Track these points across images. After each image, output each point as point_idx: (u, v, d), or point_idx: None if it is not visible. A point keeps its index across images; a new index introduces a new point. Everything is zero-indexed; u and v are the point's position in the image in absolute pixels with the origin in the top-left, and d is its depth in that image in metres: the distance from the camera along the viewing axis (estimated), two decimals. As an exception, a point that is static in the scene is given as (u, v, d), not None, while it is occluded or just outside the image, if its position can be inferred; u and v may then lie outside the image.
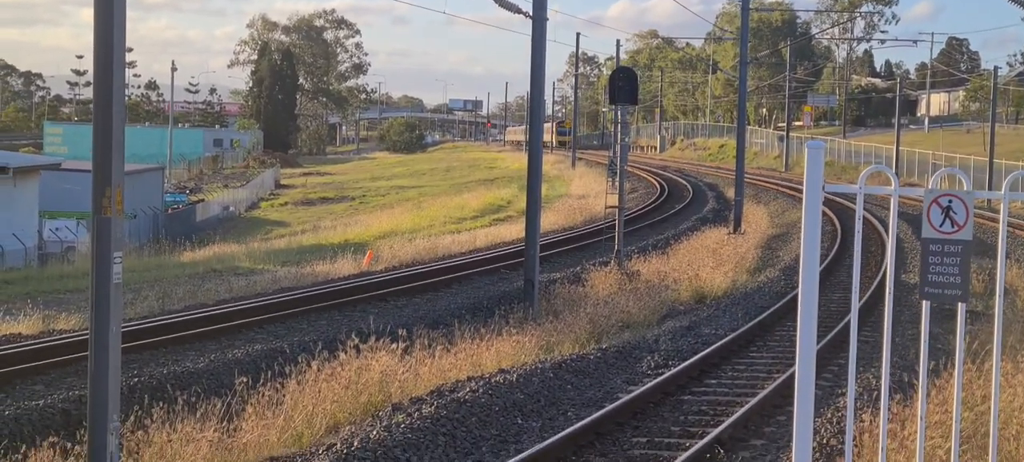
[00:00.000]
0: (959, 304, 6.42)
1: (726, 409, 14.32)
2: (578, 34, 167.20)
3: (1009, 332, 16.21)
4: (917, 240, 28.92)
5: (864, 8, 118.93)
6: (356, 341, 15.44)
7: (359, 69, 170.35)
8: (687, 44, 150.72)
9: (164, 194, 70.41)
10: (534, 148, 26.05)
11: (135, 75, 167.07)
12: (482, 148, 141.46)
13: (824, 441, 11.99)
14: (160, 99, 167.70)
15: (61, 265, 40.30)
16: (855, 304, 6.62)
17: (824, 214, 38.48)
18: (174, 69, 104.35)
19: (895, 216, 6.60)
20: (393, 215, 59.74)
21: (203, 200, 77.20)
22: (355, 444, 11.84)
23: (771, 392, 14.43)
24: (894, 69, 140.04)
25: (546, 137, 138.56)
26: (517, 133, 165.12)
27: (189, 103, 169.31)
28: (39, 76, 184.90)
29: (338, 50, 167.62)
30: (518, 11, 25.97)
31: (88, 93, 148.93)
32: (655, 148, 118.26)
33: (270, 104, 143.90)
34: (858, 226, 6.63)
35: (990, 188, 53.35)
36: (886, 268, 19.88)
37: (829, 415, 13.10)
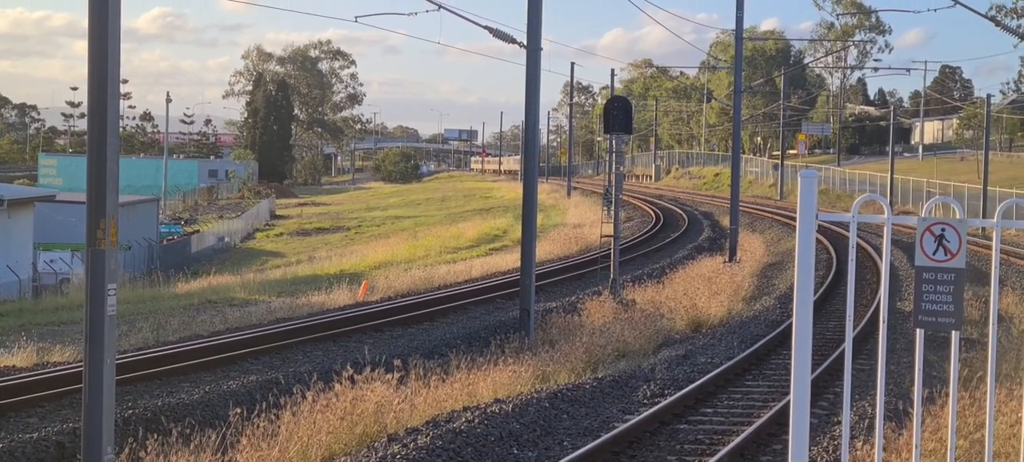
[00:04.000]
0: (953, 332, 6.43)
1: (722, 438, 14.30)
2: (573, 64, 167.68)
3: (1003, 360, 16.23)
4: (912, 268, 28.95)
5: (857, 37, 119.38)
6: (351, 372, 15.41)
7: (354, 99, 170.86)
8: (681, 73, 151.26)
9: (159, 225, 70.36)
10: (529, 178, 26.04)
11: (130, 106, 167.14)
12: (477, 178, 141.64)
13: (820, 470, 11.97)
14: (155, 130, 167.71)
15: (55, 297, 40.27)
16: (849, 333, 6.63)
17: (819, 242, 38.57)
18: (169, 100, 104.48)
19: (888, 245, 6.61)
20: (389, 245, 59.72)
21: (198, 231, 77.18)
22: (350, 475, 11.80)
23: (767, 421, 14.42)
24: (888, 97, 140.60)
25: (518, 167, 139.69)
26: (491, 162, 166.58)
27: (184, 134, 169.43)
28: (33, 108, 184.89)
29: (333, 80, 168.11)
30: (512, 41, 26.03)
31: (83, 125, 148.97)
32: (650, 177, 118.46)
33: (265, 135, 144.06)
34: (851, 255, 6.64)
35: (985, 216, 53.44)
36: (880, 297, 19.86)
37: (825, 444, 13.08)
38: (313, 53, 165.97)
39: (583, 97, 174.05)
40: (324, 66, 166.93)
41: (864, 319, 23.14)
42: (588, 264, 36.44)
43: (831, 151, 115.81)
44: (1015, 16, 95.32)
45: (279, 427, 13.53)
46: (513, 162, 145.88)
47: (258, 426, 13.38)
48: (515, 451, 13.78)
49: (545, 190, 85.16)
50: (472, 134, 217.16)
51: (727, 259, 38.09)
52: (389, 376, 15.54)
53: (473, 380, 17.11)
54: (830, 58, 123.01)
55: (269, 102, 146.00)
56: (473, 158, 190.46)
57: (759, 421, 14.49)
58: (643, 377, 18.31)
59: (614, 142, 29.92)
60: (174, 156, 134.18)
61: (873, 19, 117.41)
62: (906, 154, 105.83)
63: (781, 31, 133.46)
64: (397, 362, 16.66)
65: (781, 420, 14.08)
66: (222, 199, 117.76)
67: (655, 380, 18.02)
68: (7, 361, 21.19)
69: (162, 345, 22.71)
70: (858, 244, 37.08)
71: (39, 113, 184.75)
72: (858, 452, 11.32)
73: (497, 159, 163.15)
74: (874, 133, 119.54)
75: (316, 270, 47.83)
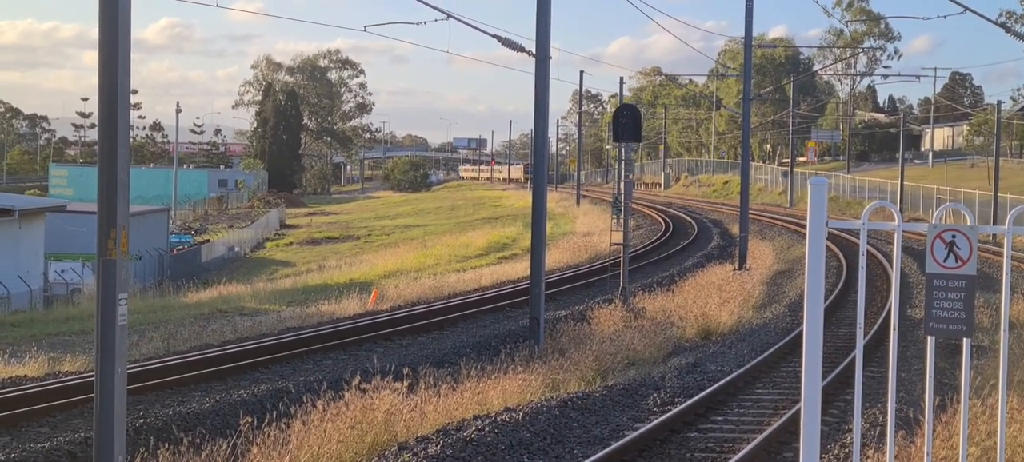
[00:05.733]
0: (964, 339, 6.42)
1: (732, 446, 14.28)
2: (582, 72, 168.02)
3: (1015, 367, 16.18)
4: (922, 275, 28.88)
5: (867, 44, 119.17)
6: (358, 380, 15.42)
7: (363, 108, 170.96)
8: (690, 81, 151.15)
9: (169, 235, 70.46)
10: (539, 186, 26.04)
11: (140, 117, 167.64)
12: (486, 186, 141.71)
13: (831, 478, 11.94)
14: (165, 140, 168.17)
15: (66, 307, 40.32)
16: (860, 341, 6.62)
17: (829, 250, 38.50)
18: (179, 110, 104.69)
19: (899, 252, 6.61)
20: (398, 254, 59.74)
21: (208, 241, 77.27)
22: (361, 484, 11.80)
23: (777, 429, 14.40)
24: (897, 104, 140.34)
25: (519, 175, 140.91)
26: (471, 170, 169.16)
27: (194, 144, 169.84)
28: (44, 118, 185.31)
29: (342, 90, 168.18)
30: (521, 49, 26.06)
31: (93, 135, 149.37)
32: (659, 185, 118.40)
33: (275, 144, 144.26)
34: (862, 262, 6.63)
35: (995, 223, 53.30)
36: (891, 304, 19.83)
37: (836, 451, 13.06)
38: (322, 62, 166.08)
39: (592, 105, 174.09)
40: (333, 75, 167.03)
41: (875, 326, 23.11)
42: (598, 272, 36.43)
43: (841, 158, 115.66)
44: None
45: (289, 436, 13.54)
46: (517, 170, 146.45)
47: (269, 435, 13.40)
48: (525, 460, 13.77)
49: (554, 198, 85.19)
50: (481, 143, 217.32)
51: (737, 267, 38.05)
52: (398, 385, 15.54)
53: (483, 388, 17.11)
54: (839, 65, 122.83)
55: (278, 112, 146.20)
56: (461, 165, 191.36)
57: (770, 429, 14.48)
58: (653, 385, 18.30)
59: (623, 150, 29.92)
60: (184, 166, 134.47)
61: (882, 26, 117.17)
62: (916, 161, 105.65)
63: (790, 38, 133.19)
64: (407, 371, 16.67)
65: (792, 428, 14.05)
66: (232, 209, 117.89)
67: (665, 388, 18.00)
68: (19, 371, 21.23)
69: (173, 354, 22.73)
70: (868, 251, 37.00)
71: (49, 124, 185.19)
72: (869, 460, 11.30)
73: (492, 166, 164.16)
74: (884, 140, 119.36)
75: (326, 279, 47.86)
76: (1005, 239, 6.58)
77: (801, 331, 11.09)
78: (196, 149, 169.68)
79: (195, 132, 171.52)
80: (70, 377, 19.70)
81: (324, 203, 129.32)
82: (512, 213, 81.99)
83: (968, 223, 6.40)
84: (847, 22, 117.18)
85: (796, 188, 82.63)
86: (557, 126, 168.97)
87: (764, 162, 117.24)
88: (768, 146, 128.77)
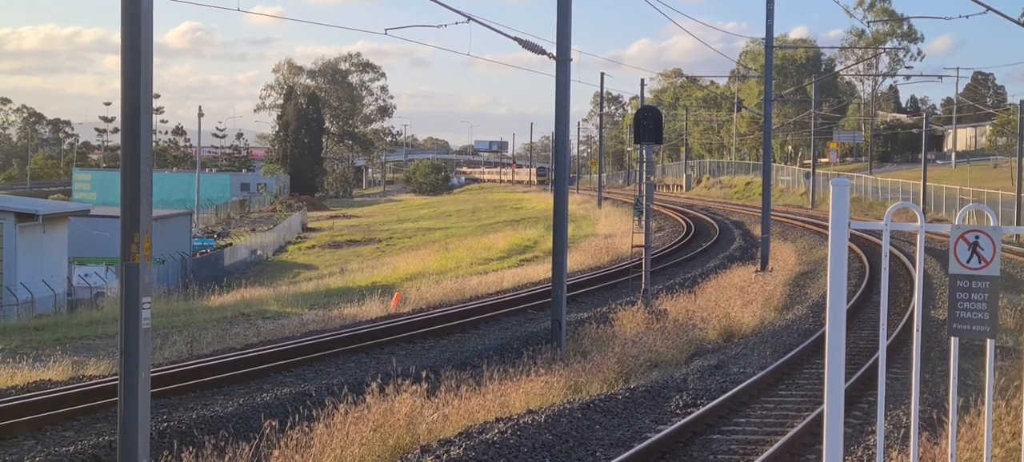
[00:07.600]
0: (988, 340, 6.39)
1: (755, 448, 14.25)
2: (602, 74, 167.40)
3: (1040, 367, 16.10)
4: (945, 276, 28.74)
5: (888, 44, 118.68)
6: (379, 381, 15.44)
7: (384, 111, 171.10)
8: (711, 82, 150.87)
9: (192, 239, 70.73)
10: (560, 189, 26.02)
11: (162, 121, 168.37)
12: (507, 189, 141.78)
13: (855, 479, 11.90)
14: (187, 144, 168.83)
15: (90, 311, 40.51)
16: (883, 342, 6.60)
17: (851, 251, 38.36)
18: (201, 114, 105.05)
19: (922, 252, 6.59)
20: (420, 257, 59.82)
21: (231, 244, 77.53)
22: (384, 487, 11.81)
23: (800, 431, 14.36)
24: (920, 104, 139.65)
25: (532, 177, 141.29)
26: (472, 171, 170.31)
27: (216, 148, 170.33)
28: (67, 123, 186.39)
29: (363, 93, 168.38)
30: (541, 52, 26.07)
31: (116, 139, 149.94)
32: (681, 187, 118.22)
33: (296, 148, 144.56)
34: (885, 263, 6.61)
35: (1019, 223, 53.03)
36: (914, 305, 19.75)
37: (859, 453, 13.02)
38: (343, 66, 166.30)
39: (613, 107, 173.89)
40: (354, 79, 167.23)
41: (898, 328, 23.02)
42: (619, 274, 36.40)
43: (863, 159, 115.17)
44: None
45: (312, 439, 13.57)
46: (529, 172, 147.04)
47: (291, 439, 13.43)
48: (548, 462, 13.77)
49: (575, 201, 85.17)
50: (503, 145, 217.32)
51: (759, 268, 37.95)
52: (416, 387, 15.57)
53: (505, 391, 17.12)
54: (861, 66, 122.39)
55: (300, 115, 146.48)
56: (459, 167, 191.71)
57: (793, 431, 14.44)
58: (676, 387, 18.27)
59: (644, 152, 29.90)
60: (206, 170, 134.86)
61: (904, 27, 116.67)
62: (939, 161, 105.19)
63: (811, 39, 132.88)
64: (429, 373, 16.70)
65: (815, 430, 14.01)
66: (254, 212, 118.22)
67: (688, 390, 17.98)
68: (43, 375, 21.35)
69: (196, 358, 22.82)
70: (891, 252, 36.83)
71: (72, 128, 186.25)
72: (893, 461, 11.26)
73: (514, 168, 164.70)
74: (906, 140, 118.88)
75: (348, 282, 47.95)
76: (1029, 239, 6.55)
77: (824, 332, 11.05)
78: (218, 153, 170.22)
79: (217, 136, 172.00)
80: (94, 381, 19.80)
81: (346, 206, 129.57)
82: (533, 215, 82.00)
83: (991, 224, 6.38)
84: (869, 22, 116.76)
85: (818, 189, 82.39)
86: (578, 128, 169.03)
87: (786, 163, 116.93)
88: (790, 147, 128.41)
